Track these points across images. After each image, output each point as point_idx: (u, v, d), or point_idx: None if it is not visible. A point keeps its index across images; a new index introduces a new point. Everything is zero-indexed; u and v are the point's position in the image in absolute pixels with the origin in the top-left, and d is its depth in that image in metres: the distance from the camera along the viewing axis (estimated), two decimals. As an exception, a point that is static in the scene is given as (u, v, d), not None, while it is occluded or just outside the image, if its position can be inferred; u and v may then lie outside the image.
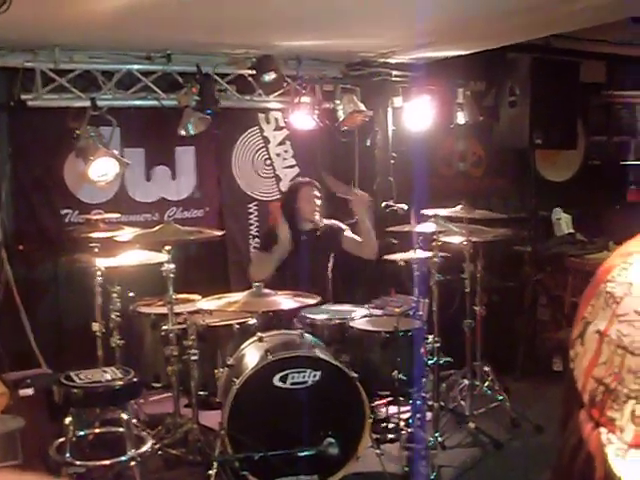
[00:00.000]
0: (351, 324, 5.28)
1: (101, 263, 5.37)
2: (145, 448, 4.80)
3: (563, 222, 8.19)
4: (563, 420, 0.94)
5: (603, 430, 0.85)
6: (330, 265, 6.22)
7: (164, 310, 5.27)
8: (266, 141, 7.39)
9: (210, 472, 4.59)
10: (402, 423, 5.41)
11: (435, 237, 5.49)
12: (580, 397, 0.89)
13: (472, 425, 5.72)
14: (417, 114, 7.05)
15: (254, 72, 6.44)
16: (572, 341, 0.94)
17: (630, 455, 0.83)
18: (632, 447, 0.83)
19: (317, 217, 6.10)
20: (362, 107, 6.91)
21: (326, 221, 6.23)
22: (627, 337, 0.85)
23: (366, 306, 5.68)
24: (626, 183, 9.10)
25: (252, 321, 5.33)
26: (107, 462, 4.66)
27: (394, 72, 7.20)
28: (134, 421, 4.97)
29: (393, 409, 5.50)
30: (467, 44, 6.49)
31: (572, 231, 8.11)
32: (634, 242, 0.95)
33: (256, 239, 7.26)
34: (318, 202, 6.14)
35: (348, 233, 6.23)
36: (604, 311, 0.89)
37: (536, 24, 5.69)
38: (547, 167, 8.47)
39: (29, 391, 5.10)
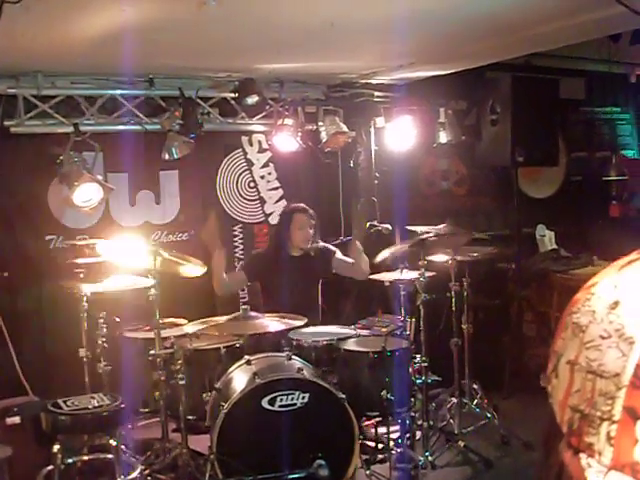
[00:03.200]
0: (339, 345, 5.28)
1: (86, 289, 5.35)
2: (135, 474, 4.78)
3: (547, 238, 8.23)
4: (545, 454, 0.96)
5: (583, 455, 0.87)
6: (319, 288, 6.20)
7: (151, 335, 5.25)
8: (250, 164, 7.41)
9: (200, 497, 4.57)
10: (391, 443, 5.39)
11: (420, 256, 5.50)
12: (560, 430, 0.91)
13: (462, 444, 5.72)
14: (399, 134, 7.08)
15: (236, 95, 6.46)
16: (548, 376, 0.96)
17: (610, 477, 0.84)
18: (611, 469, 0.84)
19: (308, 245, 6.08)
20: (344, 128, 6.95)
21: (317, 245, 6.22)
22: (595, 362, 0.87)
23: (353, 327, 5.68)
24: (608, 198, 9.17)
25: (239, 344, 5.32)
26: (96, 489, 4.63)
27: (376, 93, 7.25)
28: (123, 447, 4.94)
29: (382, 429, 5.48)
30: (447, 64, 6.54)
31: (556, 247, 8.15)
32: (599, 274, 0.98)
33: (241, 261, 7.26)
34: (311, 231, 6.11)
35: (339, 255, 6.23)
36: (572, 341, 0.92)
37: (515, 43, 5.73)
38: (529, 184, 8.52)
39: (16, 419, 5.06)
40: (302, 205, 6.28)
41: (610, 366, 0.86)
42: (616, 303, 0.89)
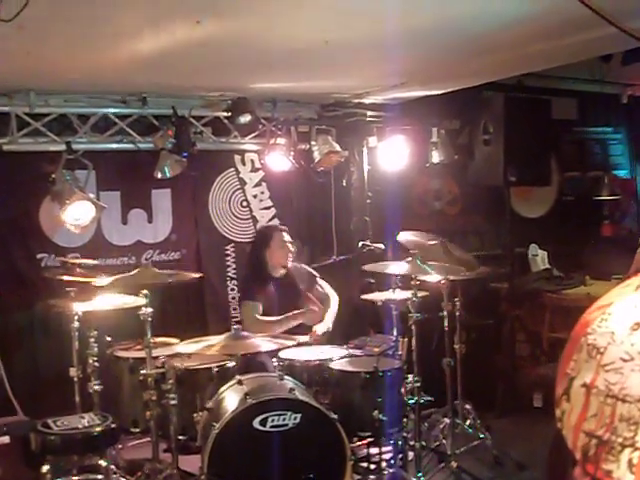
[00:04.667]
0: (330, 365, 5.26)
1: (78, 307, 5.31)
2: (125, 495, 4.74)
3: (539, 258, 8.22)
4: None
5: None
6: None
7: (142, 354, 5.22)
8: (242, 183, 7.40)
9: (191, 518, 4.53)
10: (384, 463, 5.36)
11: (412, 276, 5.50)
12: (572, 455, 0.87)
13: (454, 464, 5.69)
14: (392, 153, 7.09)
15: (229, 114, 6.46)
16: (557, 400, 0.92)
17: None
18: None
19: (289, 263, 6.09)
20: (337, 147, 6.95)
21: (298, 266, 6.24)
22: (616, 385, 0.84)
23: (345, 346, 5.66)
24: (600, 218, 9.19)
25: (231, 364, 5.30)
26: (86, 511, 4.59)
27: (368, 112, 7.26)
28: (113, 467, 4.91)
29: (374, 450, 5.46)
30: (439, 84, 6.56)
31: (548, 267, 8.14)
32: (608, 295, 0.95)
33: (234, 281, 7.24)
34: (291, 247, 6.13)
35: (319, 281, 6.26)
36: (588, 363, 0.88)
37: (507, 63, 5.75)
38: (522, 204, 8.54)
39: (5, 439, 5.02)
40: (277, 224, 6.31)
41: (634, 390, 0.82)
42: (638, 324, 0.86)
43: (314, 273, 6.32)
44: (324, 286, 6.35)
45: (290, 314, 5.88)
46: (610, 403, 0.83)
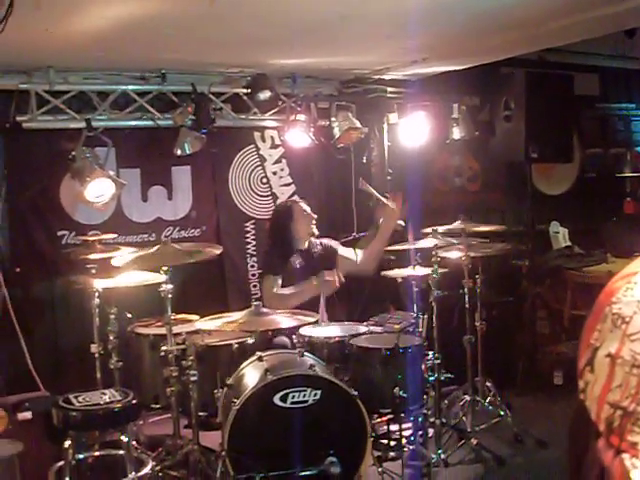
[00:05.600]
0: (351, 342, 5.25)
1: (98, 284, 5.34)
2: (146, 470, 4.76)
3: (560, 235, 8.18)
4: (578, 456, 0.91)
5: (626, 456, 0.82)
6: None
7: (162, 331, 5.23)
8: (262, 159, 7.39)
9: (211, 494, 4.55)
10: (404, 440, 5.35)
11: (433, 253, 5.48)
12: (595, 427, 0.85)
13: (474, 441, 5.69)
14: (412, 130, 7.05)
15: (249, 91, 6.44)
16: (580, 371, 0.90)
17: None
18: None
19: (314, 232, 6.09)
20: (357, 124, 6.92)
21: (321, 240, 6.22)
22: None
23: (365, 323, 5.65)
24: (622, 195, 9.11)
25: (251, 340, 5.30)
26: (107, 485, 4.63)
27: (389, 88, 7.22)
28: (134, 443, 4.93)
29: (394, 426, 5.46)
30: (460, 60, 6.50)
31: (569, 244, 8.10)
32: (634, 264, 0.92)
33: (253, 258, 7.24)
34: (314, 215, 6.13)
35: (342, 252, 6.23)
36: (613, 333, 0.86)
37: (529, 39, 5.69)
38: (543, 181, 8.48)
39: (27, 415, 5.06)
40: (295, 197, 6.32)
41: None
42: None
43: (333, 246, 6.28)
44: (347, 253, 6.29)
45: (304, 284, 5.87)
46: (636, 373, 0.81)
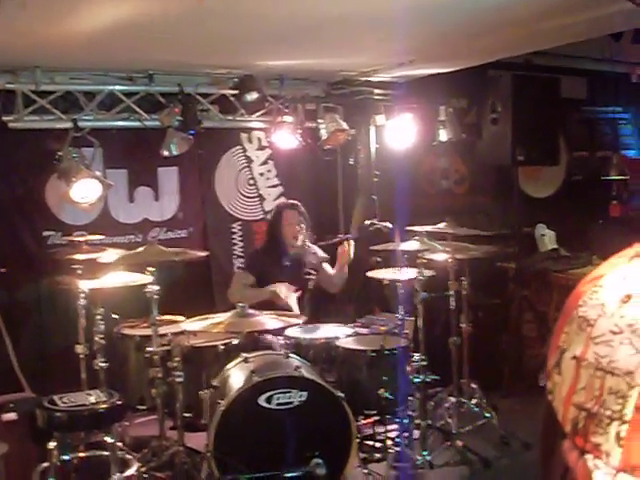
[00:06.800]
0: (337, 343, 5.26)
1: (84, 285, 5.32)
2: (131, 471, 4.75)
3: (547, 238, 8.19)
4: (545, 455, 0.92)
5: (589, 457, 0.83)
6: (309, 287, 6.21)
7: (148, 332, 5.24)
8: (249, 161, 7.39)
9: (196, 495, 4.55)
10: (389, 442, 5.37)
11: (419, 255, 5.49)
12: (561, 428, 0.87)
13: (460, 443, 5.69)
14: (399, 132, 7.06)
15: (236, 92, 6.43)
16: (549, 372, 0.92)
17: (619, 479, 0.81)
18: (620, 471, 0.81)
19: (299, 242, 6.10)
20: (344, 126, 6.92)
21: (312, 247, 6.25)
22: (605, 358, 0.83)
23: (351, 325, 5.66)
24: (609, 198, 9.13)
25: (236, 342, 5.30)
26: (92, 486, 4.61)
27: (376, 90, 7.22)
28: (119, 444, 4.91)
29: (380, 428, 5.47)
30: (448, 62, 6.52)
31: (556, 247, 8.11)
32: (601, 266, 0.94)
33: (240, 259, 7.24)
34: (302, 225, 6.13)
35: (325, 266, 6.29)
36: (578, 336, 0.88)
37: (516, 41, 5.71)
38: (530, 183, 8.50)
39: (12, 415, 5.04)
40: (292, 202, 6.33)
41: (622, 363, 0.82)
42: (628, 296, 0.85)
43: (323, 256, 6.32)
44: (328, 271, 6.35)
45: (263, 290, 5.94)
46: (599, 376, 0.83)
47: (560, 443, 0.88)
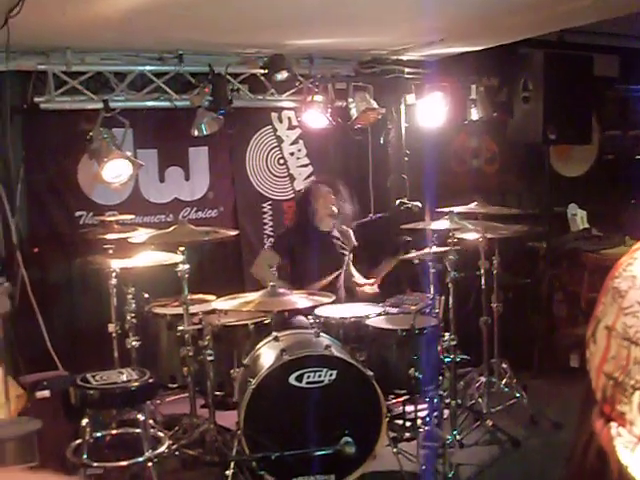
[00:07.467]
0: (367, 322, 5.26)
1: (116, 264, 5.36)
2: (162, 449, 4.81)
3: (578, 218, 8.13)
4: (580, 421, 0.94)
5: (613, 424, 0.84)
6: (345, 266, 6.22)
7: (179, 311, 5.27)
8: (279, 140, 7.39)
9: (227, 472, 4.59)
10: (419, 421, 5.37)
11: (450, 234, 5.47)
12: (594, 395, 0.88)
13: (490, 423, 5.69)
14: (430, 111, 7.02)
15: (266, 71, 6.42)
16: (587, 342, 0.93)
17: (639, 448, 0.82)
18: None
19: (331, 216, 6.09)
20: (375, 105, 6.89)
21: (345, 228, 6.28)
22: (631, 328, 0.85)
23: (382, 304, 5.66)
24: (642, 177, 9.04)
25: (267, 321, 5.32)
26: (124, 463, 4.66)
27: (406, 69, 7.18)
28: (151, 422, 4.97)
29: (410, 407, 5.47)
30: (479, 40, 6.46)
31: (587, 226, 8.05)
32: None
33: (270, 239, 7.25)
34: (332, 201, 6.13)
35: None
36: (611, 306, 0.89)
37: (547, 19, 5.65)
38: (561, 162, 8.42)
39: (46, 393, 5.10)
40: (322, 178, 6.34)
41: None
42: None
43: (352, 239, 6.35)
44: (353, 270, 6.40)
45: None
46: (626, 346, 0.85)
47: (592, 410, 0.89)
